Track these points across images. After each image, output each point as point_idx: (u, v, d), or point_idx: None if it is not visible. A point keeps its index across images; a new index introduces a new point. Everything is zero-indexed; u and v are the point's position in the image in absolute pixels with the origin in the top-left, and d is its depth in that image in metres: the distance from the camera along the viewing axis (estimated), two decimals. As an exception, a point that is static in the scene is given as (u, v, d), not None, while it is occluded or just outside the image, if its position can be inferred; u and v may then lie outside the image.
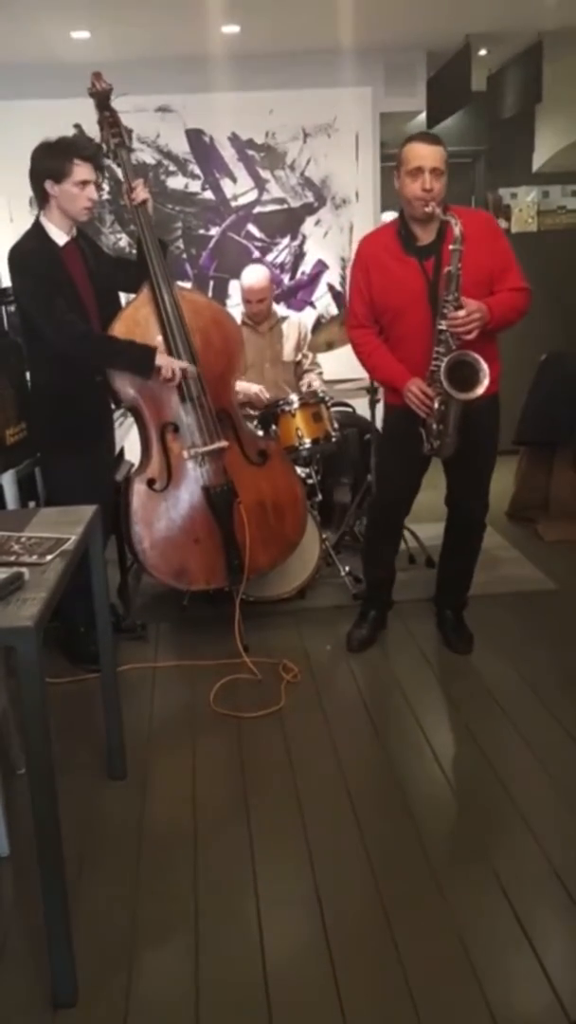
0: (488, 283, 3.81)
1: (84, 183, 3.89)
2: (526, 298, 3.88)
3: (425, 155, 3.72)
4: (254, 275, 5.36)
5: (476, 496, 4.23)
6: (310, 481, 4.94)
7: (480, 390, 3.71)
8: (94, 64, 4.37)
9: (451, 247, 3.65)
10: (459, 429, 3.86)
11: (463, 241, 3.62)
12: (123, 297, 4.33)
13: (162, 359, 4.05)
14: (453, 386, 3.71)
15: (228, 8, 5.39)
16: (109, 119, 4.24)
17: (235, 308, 5.83)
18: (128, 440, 5.20)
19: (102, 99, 4.23)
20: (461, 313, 3.66)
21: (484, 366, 3.69)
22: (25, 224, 6.32)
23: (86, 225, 4.21)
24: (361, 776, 3.34)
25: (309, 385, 5.33)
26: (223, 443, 4.23)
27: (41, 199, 3.99)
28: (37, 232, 4.01)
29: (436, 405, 3.81)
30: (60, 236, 3.99)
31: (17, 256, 3.97)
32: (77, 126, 6.21)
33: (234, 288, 6.94)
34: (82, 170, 3.87)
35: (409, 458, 4.07)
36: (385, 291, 3.91)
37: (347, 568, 4.95)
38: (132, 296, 4.21)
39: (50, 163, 3.88)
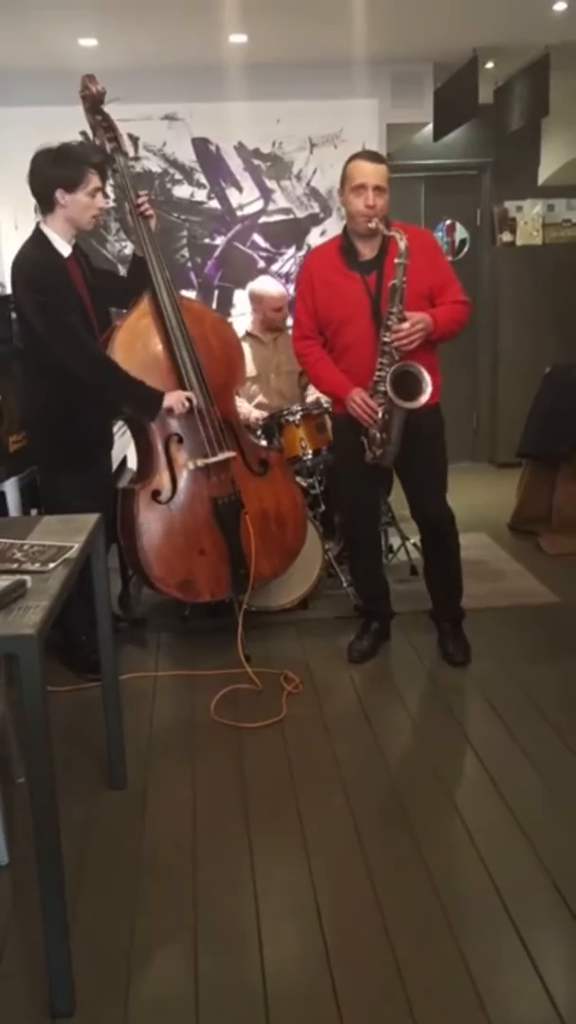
0: (429, 296, 3.93)
1: (96, 191, 3.87)
2: (467, 311, 4.04)
3: (368, 172, 3.86)
4: (272, 283, 5.45)
5: (435, 505, 4.26)
6: (313, 491, 4.94)
7: (424, 399, 3.83)
8: (101, 71, 4.36)
9: (396, 260, 3.76)
10: (401, 438, 3.94)
11: (408, 255, 3.72)
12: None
13: (169, 399, 4.04)
14: (398, 395, 3.81)
15: (236, 17, 5.40)
16: (103, 123, 4.21)
17: (240, 318, 5.84)
18: (131, 449, 5.19)
19: (94, 103, 4.19)
20: (405, 325, 3.78)
21: (427, 376, 3.82)
22: (30, 231, 6.32)
23: (91, 232, 4.20)
24: (361, 787, 3.33)
25: (314, 396, 5.32)
26: (231, 453, 4.23)
27: (46, 207, 3.92)
28: (41, 241, 3.94)
29: (380, 415, 3.89)
30: (63, 246, 3.94)
31: (26, 268, 3.91)
32: (83, 133, 6.21)
33: (239, 298, 6.94)
34: (95, 179, 3.86)
35: (362, 465, 4.12)
36: (328, 304, 4.02)
37: (349, 579, 4.94)
38: (133, 305, 4.20)
39: (63, 171, 3.82)
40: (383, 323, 3.83)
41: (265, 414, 5.10)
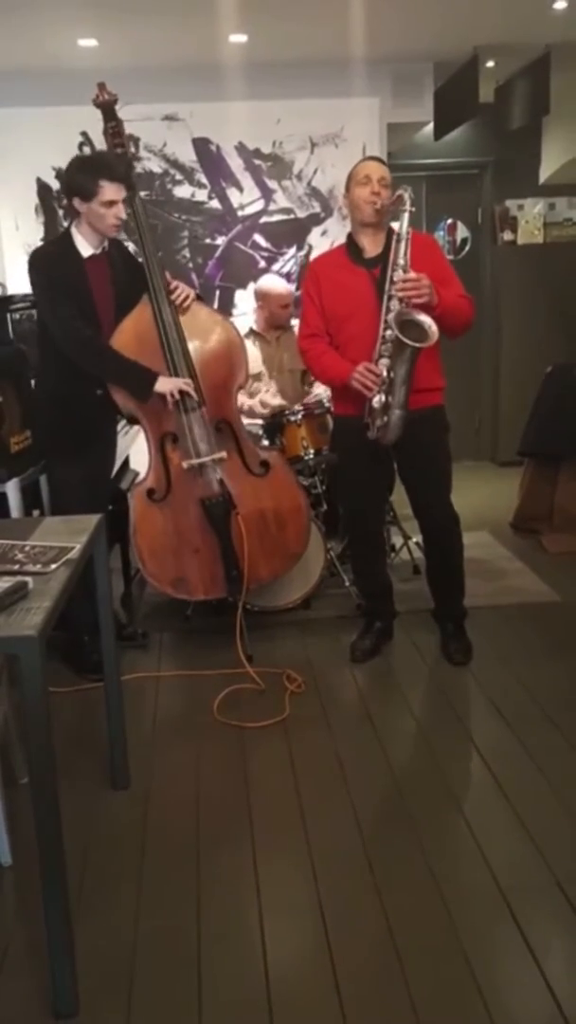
0: None
1: (111, 203, 3.88)
2: (470, 307, 4.04)
3: (373, 168, 4.00)
4: (279, 280, 5.55)
5: (438, 508, 4.25)
6: (315, 491, 4.94)
7: (430, 341, 3.74)
8: (101, 72, 4.36)
9: (402, 209, 3.79)
10: (406, 403, 3.87)
11: (413, 205, 3.80)
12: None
13: (162, 384, 4.05)
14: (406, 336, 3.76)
15: (236, 17, 5.39)
16: (114, 129, 4.23)
17: (241, 318, 5.83)
18: (133, 449, 5.20)
19: (107, 109, 4.22)
20: (412, 275, 3.77)
21: (431, 323, 3.74)
22: (31, 231, 6.32)
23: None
24: (364, 786, 3.33)
25: (315, 395, 5.32)
26: (220, 454, 4.22)
27: (72, 212, 4.02)
28: (63, 241, 4.07)
29: (385, 373, 3.83)
30: (86, 248, 4.02)
31: (34, 258, 4.06)
32: (84, 134, 6.22)
33: (240, 298, 6.94)
34: (109, 190, 3.85)
35: (366, 465, 4.14)
36: (334, 296, 4.06)
37: (351, 578, 4.92)
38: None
39: (78, 181, 3.89)
40: (388, 277, 3.82)
41: (277, 402, 5.13)
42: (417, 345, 3.73)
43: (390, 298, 3.81)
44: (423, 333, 3.74)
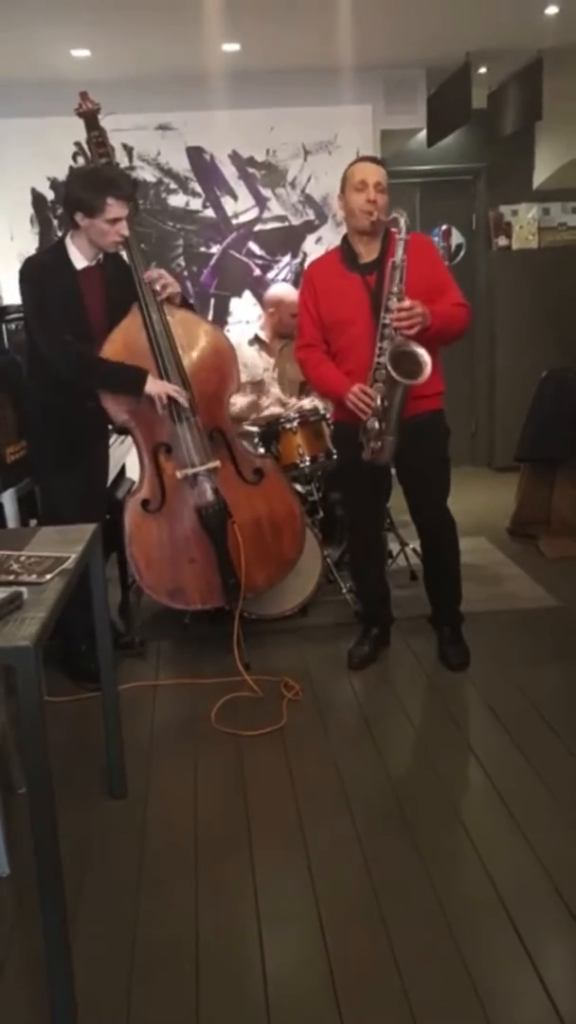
0: (426, 297, 3.87)
1: (116, 220, 3.87)
2: (466, 314, 4.03)
3: (369, 171, 3.96)
4: (291, 288, 5.52)
5: (435, 514, 4.26)
6: (311, 498, 4.94)
7: (423, 377, 3.74)
8: (95, 82, 4.37)
9: (398, 237, 3.77)
10: (399, 430, 3.88)
11: (408, 234, 3.78)
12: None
13: (152, 385, 4.04)
14: (399, 373, 3.76)
15: (228, 26, 5.41)
16: (97, 138, 4.22)
17: (236, 326, 5.85)
18: (130, 458, 5.20)
19: (90, 118, 4.22)
20: (405, 304, 3.75)
21: (426, 357, 3.74)
22: (26, 242, 6.31)
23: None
24: (362, 793, 3.33)
25: (311, 402, 5.33)
26: (214, 463, 4.22)
27: (71, 224, 3.98)
28: (57, 250, 4.04)
29: (379, 401, 3.84)
30: (80, 260, 4.00)
31: (27, 267, 4.02)
32: (77, 144, 6.22)
33: (235, 306, 6.95)
34: (115, 208, 3.84)
35: (365, 471, 4.11)
36: (330, 305, 4.06)
37: (349, 585, 4.93)
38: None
39: (84, 196, 3.85)
40: (383, 305, 3.81)
41: (275, 411, 5.13)
42: (408, 382, 3.76)
43: (385, 326, 3.81)
44: (417, 365, 3.74)
